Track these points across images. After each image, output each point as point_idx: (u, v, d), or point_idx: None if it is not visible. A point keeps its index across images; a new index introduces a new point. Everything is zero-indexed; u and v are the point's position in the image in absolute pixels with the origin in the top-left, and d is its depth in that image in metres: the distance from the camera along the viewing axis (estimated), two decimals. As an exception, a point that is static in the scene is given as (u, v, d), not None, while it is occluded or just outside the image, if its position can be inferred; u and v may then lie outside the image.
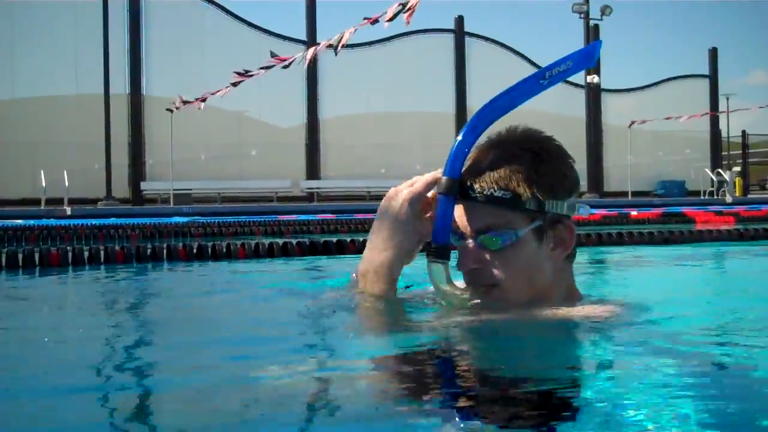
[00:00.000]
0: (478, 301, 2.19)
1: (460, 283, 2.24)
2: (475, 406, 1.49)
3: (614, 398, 1.54)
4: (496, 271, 2.15)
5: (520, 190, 2.11)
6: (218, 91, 16.62)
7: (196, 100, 18.87)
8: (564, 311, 2.15)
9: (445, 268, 2.19)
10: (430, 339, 2.09)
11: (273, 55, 14.11)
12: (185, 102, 20.25)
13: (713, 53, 39.03)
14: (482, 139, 2.25)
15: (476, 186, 2.13)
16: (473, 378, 1.74)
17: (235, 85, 15.41)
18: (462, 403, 1.52)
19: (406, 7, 9.52)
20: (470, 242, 2.17)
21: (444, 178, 2.19)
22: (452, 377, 1.75)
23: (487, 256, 2.15)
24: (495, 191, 2.11)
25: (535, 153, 2.16)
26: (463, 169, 2.18)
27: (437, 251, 2.19)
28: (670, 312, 2.41)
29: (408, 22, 9.64)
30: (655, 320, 2.23)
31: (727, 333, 2.24)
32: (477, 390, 1.62)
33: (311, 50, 13.47)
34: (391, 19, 9.94)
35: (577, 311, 2.17)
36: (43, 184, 22.87)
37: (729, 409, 1.45)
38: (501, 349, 2.04)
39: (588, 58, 2.26)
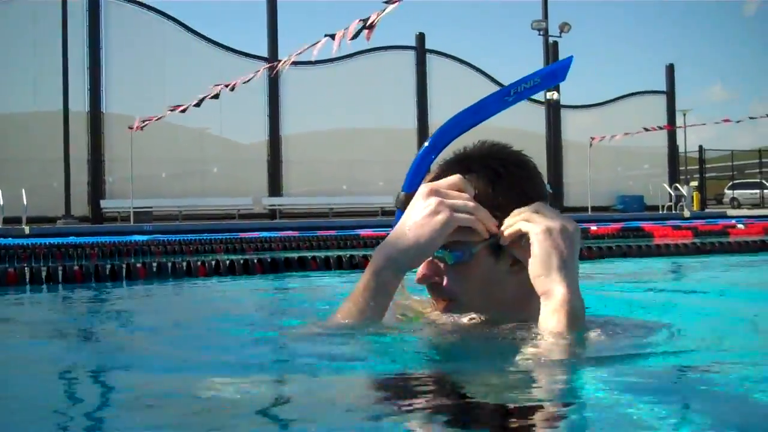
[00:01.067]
0: (436, 312, 2.20)
1: (419, 297, 2.25)
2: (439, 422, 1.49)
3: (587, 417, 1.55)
4: (452, 286, 2.15)
5: None
6: (179, 108, 16.59)
7: (155, 119, 18.91)
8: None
9: (402, 283, 2.19)
10: (400, 357, 2.08)
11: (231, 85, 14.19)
12: (144, 122, 20.28)
13: (670, 69, 39.68)
14: (450, 153, 2.24)
15: None
16: (441, 396, 1.73)
17: (197, 105, 15.42)
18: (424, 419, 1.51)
19: (367, 24, 9.57)
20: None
21: (402, 193, 2.20)
22: (415, 395, 1.75)
23: (445, 271, 2.15)
24: None
25: (494, 169, 2.14)
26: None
27: None
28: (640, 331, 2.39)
29: (368, 39, 9.69)
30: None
31: (699, 349, 2.25)
32: (447, 409, 1.62)
33: (261, 69, 13.51)
34: (353, 37, 9.99)
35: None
36: (1, 203, 22.53)
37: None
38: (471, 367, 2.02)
39: (555, 75, 2.25)
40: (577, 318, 1.96)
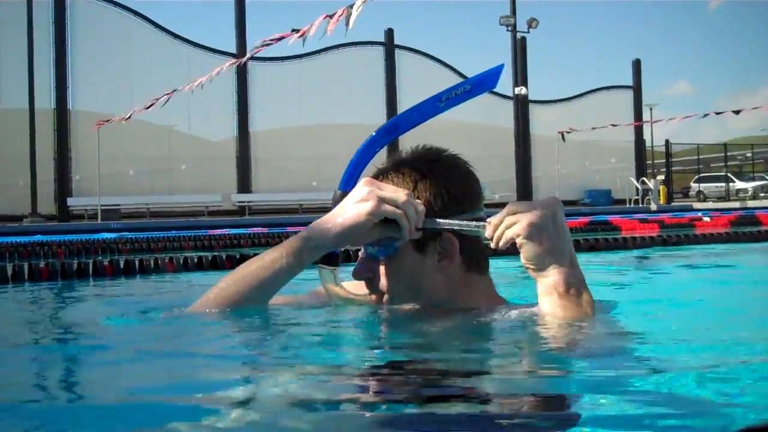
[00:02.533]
0: (368, 299, 2.33)
1: (349, 284, 2.42)
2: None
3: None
4: (383, 280, 2.26)
5: None
6: (149, 106, 16.49)
7: (121, 118, 18.81)
8: (481, 317, 2.21)
9: (335, 273, 2.40)
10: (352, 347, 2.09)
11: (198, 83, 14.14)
12: (107, 120, 20.21)
13: (637, 65, 40.00)
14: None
15: None
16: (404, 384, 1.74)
17: (164, 102, 15.33)
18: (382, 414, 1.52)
19: (333, 18, 9.55)
20: (362, 252, 2.31)
21: (338, 192, 2.34)
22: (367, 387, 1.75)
23: (376, 266, 2.27)
24: None
25: (419, 170, 2.25)
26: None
27: (326, 257, 2.36)
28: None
29: (330, 32, 9.66)
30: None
31: (654, 335, 2.28)
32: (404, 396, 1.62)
33: (228, 63, 13.45)
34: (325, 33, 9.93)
35: (493, 315, 2.21)
36: (-34, 201, 22.27)
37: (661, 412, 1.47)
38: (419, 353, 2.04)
39: (487, 82, 2.33)
40: (570, 295, 2.07)
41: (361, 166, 2.33)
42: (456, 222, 2.19)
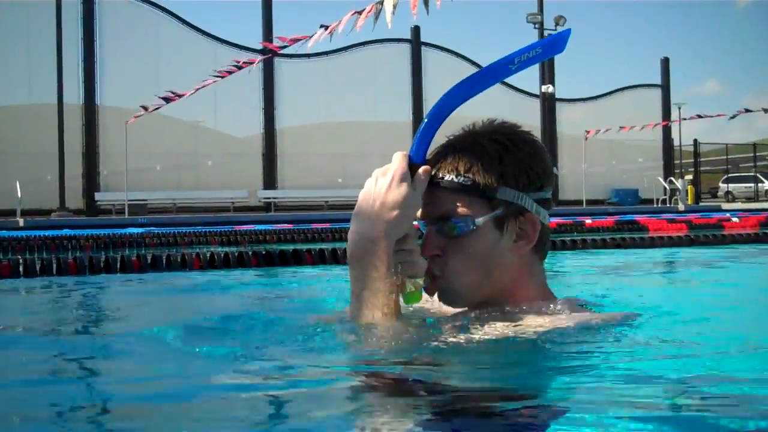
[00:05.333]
0: (430, 299, 2.19)
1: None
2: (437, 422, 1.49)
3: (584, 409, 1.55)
4: (454, 258, 2.11)
5: (481, 179, 2.08)
6: (176, 97, 16.61)
7: (147, 108, 18.96)
8: (545, 320, 2.08)
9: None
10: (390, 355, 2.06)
11: (228, 67, 14.17)
12: (139, 114, 20.37)
13: (665, 63, 39.67)
14: (458, 129, 2.22)
15: (438, 172, 2.11)
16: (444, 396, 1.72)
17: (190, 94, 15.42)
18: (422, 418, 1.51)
19: (363, 14, 9.52)
20: (431, 228, 2.14)
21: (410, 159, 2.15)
22: (415, 394, 1.74)
23: (447, 244, 2.12)
24: (455, 177, 2.08)
25: (502, 144, 2.13)
26: (430, 155, 2.16)
27: None
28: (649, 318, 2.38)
29: (359, 28, 9.62)
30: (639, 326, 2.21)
31: (705, 342, 2.25)
32: (444, 407, 1.61)
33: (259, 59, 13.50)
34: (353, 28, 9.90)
35: (559, 320, 2.09)
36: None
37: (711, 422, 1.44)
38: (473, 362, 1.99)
39: (555, 46, 2.22)
40: None
41: (431, 130, 2.12)
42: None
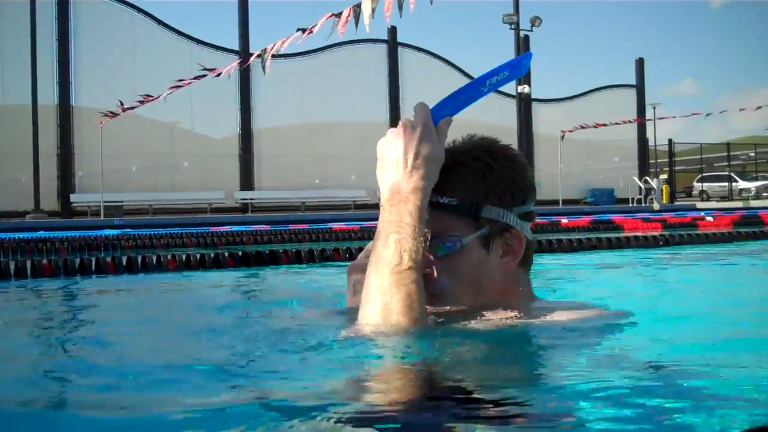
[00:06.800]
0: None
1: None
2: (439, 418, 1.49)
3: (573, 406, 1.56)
4: (443, 277, 2.12)
5: (465, 199, 2.10)
6: (150, 99, 16.50)
7: (124, 110, 18.80)
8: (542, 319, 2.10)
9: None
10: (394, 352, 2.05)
11: (204, 69, 14.08)
12: (113, 114, 20.18)
13: (640, 63, 40.00)
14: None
15: None
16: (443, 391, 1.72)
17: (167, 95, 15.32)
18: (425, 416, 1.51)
19: (342, 19, 9.52)
20: None
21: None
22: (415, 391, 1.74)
23: (435, 263, 2.12)
24: (440, 198, 2.09)
25: (484, 162, 2.14)
26: None
27: None
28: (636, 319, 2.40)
29: (341, 33, 9.64)
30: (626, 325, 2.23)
31: (690, 339, 2.27)
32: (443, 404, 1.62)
33: (233, 64, 13.48)
34: (331, 34, 9.89)
35: (558, 316, 2.11)
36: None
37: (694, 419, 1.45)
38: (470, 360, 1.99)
39: (521, 68, 2.26)
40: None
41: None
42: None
